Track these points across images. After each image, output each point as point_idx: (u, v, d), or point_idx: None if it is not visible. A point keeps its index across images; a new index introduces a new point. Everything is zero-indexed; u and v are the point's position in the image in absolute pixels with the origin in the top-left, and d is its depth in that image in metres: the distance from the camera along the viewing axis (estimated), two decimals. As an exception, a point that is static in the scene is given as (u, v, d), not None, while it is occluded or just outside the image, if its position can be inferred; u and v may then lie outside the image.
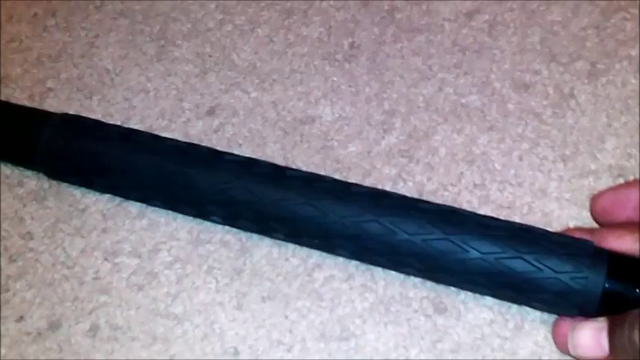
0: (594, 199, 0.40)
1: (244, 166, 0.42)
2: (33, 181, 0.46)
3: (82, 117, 0.46)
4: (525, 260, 0.37)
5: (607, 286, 0.36)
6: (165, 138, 0.44)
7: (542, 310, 0.40)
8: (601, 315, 0.37)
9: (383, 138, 0.47)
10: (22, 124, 0.45)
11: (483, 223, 0.39)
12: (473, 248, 0.38)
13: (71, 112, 0.47)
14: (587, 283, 0.37)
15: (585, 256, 0.37)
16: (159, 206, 0.44)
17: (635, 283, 0.36)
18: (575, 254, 0.37)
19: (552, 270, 0.37)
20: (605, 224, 0.40)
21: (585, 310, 0.37)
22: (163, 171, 0.42)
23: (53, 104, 0.50)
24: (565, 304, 0.37)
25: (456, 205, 0.43)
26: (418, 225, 0.38)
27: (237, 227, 0.43)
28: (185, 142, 0.44)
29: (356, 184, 0.42)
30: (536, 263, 0.37)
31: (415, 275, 0.40)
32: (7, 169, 0.47)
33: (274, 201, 0.40)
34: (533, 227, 0.39)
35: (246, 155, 0.45)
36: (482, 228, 0.38)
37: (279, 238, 0.42)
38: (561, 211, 0.43)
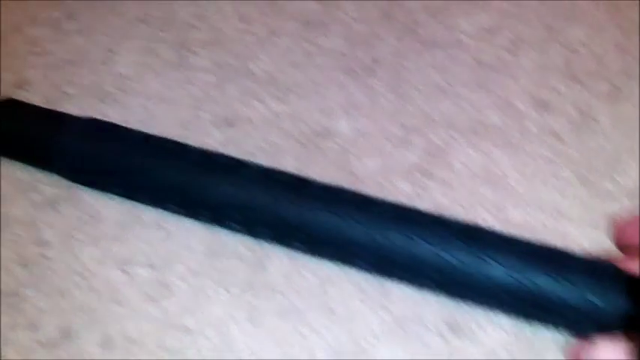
0: (615, 225, 0.40)
1: (266, 174, 0.42)
2: (48, 187, 0.46)
3: (104, 120, 0.46)
4: (550, 276, 0.37)
5: (628, 305, 0.36)
6: (186, 144, 0.44)
7: (562, 328, 0.39)
8: (620, 334, 0.36)
9: (401, 154, 0.47)
10: (43, 125, 0.45)
11: (507, 239, 0.39)
12: (497, 262, 0.37)
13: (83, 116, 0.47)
14: (609, 302, 0.36)
15: (608, 276, 0.37)
16: (175, 211, 0.43)
17: None
18: (598, 274, 0.37)
19: (576, 287, 0.36)
20: (626, 250, 0.40)
21: (605, 329, 0.37)
22: (183, 174, 0.41)
23: (71, 110, 0.49)
24: (586, 322, 0.37)
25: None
26: (442, 237, 0.38)
27: (255, 235, 0.42)
28: (207, 150, 0.44)
29: (378, 198, 0.41)
30: (560, 280, 0.36)
31: (434, 289, 0.40)
32: (22, 174, 0.47)
33: (295, 208, 0.40)
34: (557, 247, 0.39)
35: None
36: (506, 243, 0.38)
37: (296, 248, 0.42)
38: (579, 233, 0.43)
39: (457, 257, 0.38)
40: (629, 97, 0.48)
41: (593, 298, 0.36)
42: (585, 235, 0.43)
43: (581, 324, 0.37)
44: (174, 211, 0.43)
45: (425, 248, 0.38)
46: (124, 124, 0.48)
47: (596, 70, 0.50)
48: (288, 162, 0.47)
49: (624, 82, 0.49)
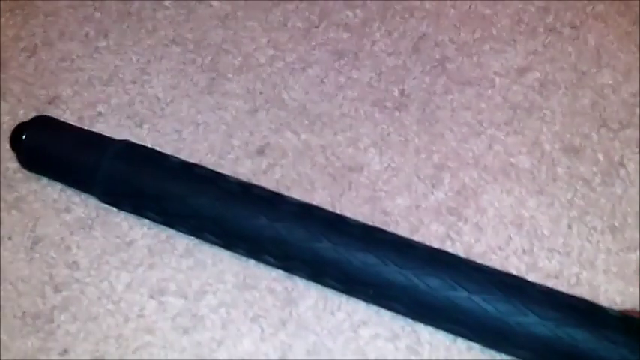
0: None
1: (305, 209, 0.42)
2: (80, 208, 0.46)
3: (140, 144, 0.46)
4: (585, 329, 0.37)
5: None
6: (225, 175, 0.44)
7: None
8: None
9: (432, 193, 0.47)
10: (85, 147, 0.45)
11: (543, 291, 0.39)
12: (533, 312, 0.38)
13: (121, 139, 0.47)
14: None
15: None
16: (211, 240, 0.44)
17: None
18: (633, 329, 0.38)
19: (611, 341, 0.37)
20: None
21: None
22: (222, 204, 0.42)
23: (103, 129, 0.50)
24: None
25: (504, 270, 0.43)
26: (479, 284, 0.39)
27: (290, 270, 0.43)
28: (245, 181, 0.44)
29: (415, 241, 0.42)
30: (595, 333, 0.37)
31: (467, 337, 0.40)
32: (55, 194, 0.47)
33: (332, 245, 0.40)
34: (591, 301, 0.39)
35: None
36: (542, 294, 0.39)
37: (331, 286, 0.42)
38: (609, 284, 0.43)
39: (495, 306, 0.38)
40: (657, 147, 0.49)
41: (629, 354, 0.37)
42: (616, 288, 0.43)
43: None
44: (210, 241, 0.44)
45: (463, 295, 0.39)
46: (156, 148, 0.49)
47: (625, 117, 0.50)
48: (320, 195, 0.47)
49: (652, 130, 0.50)
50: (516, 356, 0.40)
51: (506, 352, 0.40)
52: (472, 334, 0.40)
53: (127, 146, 0.45)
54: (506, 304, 0.38)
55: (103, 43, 0.54)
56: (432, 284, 0.39)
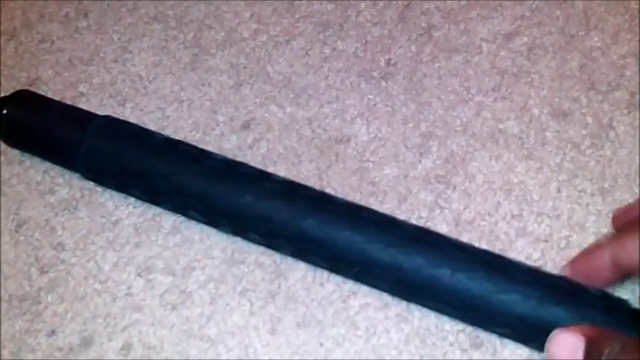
0: (570, 267, 0.41)
1: (290, 187, 0.42)
2: (64, 189, 0.46)
3: (124, 120, 0.45)
4: (566, 308, 0.37)
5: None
6: (210, 152, 0.44)
7: None
8: None
9: (419, 162, 0.47)
10: (67, 122, 0.44)
11: (526, 269, 0.39)
12: (515, 290, 0.38)
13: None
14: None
15: (623, 312, 0.38)
16: (196, 218, 0.43)
17: None
18: (614, 309, 0.38)
19: (591, 321, 0.37)
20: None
21: None
22: (206, 182, 0.41)
23: (85, 108, 0.49)
24: None
25: (492, 236, 0.43)
26: (462, 262, 0.39)
27: (275, 248, 0.42)
28: (230, 159, 0.43)
29: (401, 220, 0.41)
30: (576, 312, 0.37)
31: (450, 315, 0.40)
32: (38, 176, 0.47)
33: (317, 224, 0.40)
34: (572, 279, 0.39)
35: (281, 174, 0.45)
36: (524, 273, 0.39)
37: (316, 264, 0.42)
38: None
39: (478, 283, 0.38)
40: (647, 107, 0.48)
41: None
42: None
43: None
44: (195, 218, 0.43)
45: (446, 273, 0.38)
46: (140, 125, 0.48)
47: (615, 79, 0.50)
48: (307, 168, 0.47)
49: (642, 91, 0.49)
50: (498, 333, 0.40)
51: (489, 330, 0.40)
52: (455, 312, 0.40)
53: (110, 121, 0.45)
54: (489, 282, 0.38)
55: (83, 23, 0.54)
56: (417, 263, 0.39)
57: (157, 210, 0.45)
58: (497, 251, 0.42)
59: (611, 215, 0.43)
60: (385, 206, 0.45)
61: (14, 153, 0.47)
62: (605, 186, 0.45)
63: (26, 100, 0.46)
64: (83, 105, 0.49)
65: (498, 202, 0.45)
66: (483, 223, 0.44)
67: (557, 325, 0.37)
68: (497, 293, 0.38)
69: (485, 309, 0.39)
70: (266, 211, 0.41)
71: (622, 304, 0.39)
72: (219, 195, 0.42)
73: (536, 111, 0.49)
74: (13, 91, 0.48)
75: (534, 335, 0.39)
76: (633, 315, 0.38)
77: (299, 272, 0.42)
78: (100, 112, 0.48)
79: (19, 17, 0.54)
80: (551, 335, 0.36)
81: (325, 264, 0.41)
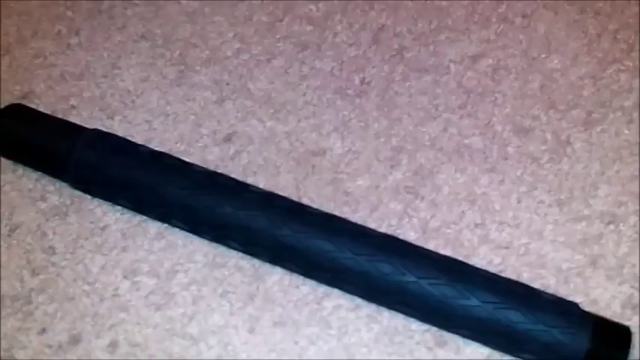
0: None
1: (267, 198, 0.45)
2: (55, 196, 0.49)
3: (112, 133, 0.48)
4: (520, 312, 0.40)
5: (591, 344, 0.40)
6: (192, 164, 0.47)
7: None
8: None
9: (390, 174, 0.50)
10: (57, 135, 0.47)
11: (485, 276, 0.43)
12: (474, 296, 0.41)
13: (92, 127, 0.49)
14: (574, 339, 0.40)
15: (574, 315, 0.41)
16: (179, 226, 0.46)
17: (615, 345, 0.41)
18: (565, 312, 0.41)
19: (544, 323, 0.41)
20: None
21: None
22: (188, 193, 0.44)
23: (75, 121, 0.52)
24: (552, 357, 0.41)
25: (457, 243, 0.46)
26: (426, 270, 0.42)
27: (254, 255, 0.45)
28: (211, 171, 0.46)
29: (370, 229, 0.45)
30: (530, 316, 0.40)
31: (416, 317, 0.43)
32: (30, 184, 0.49)
33: (292, 233, 0.43)
34: (529, 285, 0.43)
35: (261, 184, 0.48)
36: (483, 280, 0.42)
37: (292, 270, 0.45)
38: (556, 253, 0.46)
39: (440, 290, 0.41)
40: (602, 125, 0.52)
41: (559, 334, 0.40)
42: (562, 256, 0.46)
43: (549, 359, 0.41)
44: (178, 227, 0.46)
45: (411, 280, 0.42)
46: (128, 138, 0.51)
47: (573, 99, 0.53)
48: (285, 179, 0.50)
49: (599, 110, 0.52)
50: (460, 335, 0.43)
51: (451, 331, 0.43)
52: (420, 315, 0.43)
53: (98, 135, 0.48)
54: (450, 289, 0.41)
55: (74, 40, 0.57)
56: (384, 270, 0.42)
57: (142, 217, 0.48)
58: (461, 257, 0.45)
59: (567, 224, 0.47)
60: (358, 215, 0.48)
61: (7, 162, 0.50)
62: (562, 197, 0.49)
63: (19, 113, 0.49)
64: (74, 117, 0.52)
65: (463, 212, 0.48)
66: (449, 230, 0.47)
67: (513, 327, 0.41)
68: (458, 299, 0.42)
69: (447, 313, 0.42)
70: (244, 221, 0.44)
71: (573, 307, 0.42)
72: (201, 206, 0.45)
73: (499, 127, 0.52)
74: (7, 102, 0.50)
75: (492, 337, 0.42)
76: (583, 317, 0.42)
77: (276, 276, 0.45)
78: (90, 125, 0.51)
79: (13, 34, 0.56)
80: None
81: (299, 270, 0.44)
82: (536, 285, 0.44)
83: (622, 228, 0.47)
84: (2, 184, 0.49)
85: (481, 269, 0.44)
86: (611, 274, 0.46)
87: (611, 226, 0.47)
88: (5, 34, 0.57)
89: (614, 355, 0.41)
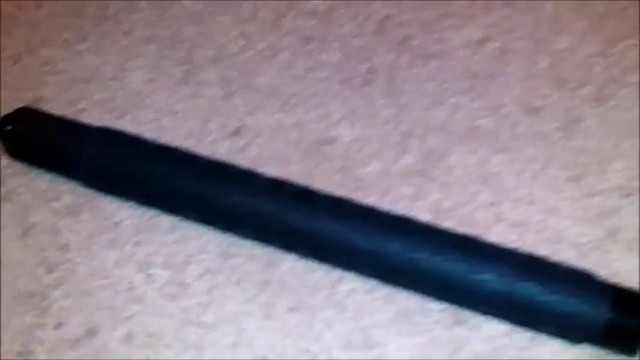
0: None
1: (276, 184, 0.45)
2: (68, 196, 0.49)
3: (120, 130, 0.48)
4: (538, 283, 0.40)
5: (612, 313, 0.39)
6: (198, 155, 0.47)
7: (549, 333, 0.42)
8: (604, 343, 0.39)
9: (401, 158, 0.50)
10: (66, 135, 0.47)
11: (499, 249, 0.42)
12: (490, 270, 0.41)
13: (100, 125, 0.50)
14: (594, 309, 0.40)
15: (592, 284, 0.41)
16: (191, 217, 0.46)
17: (638, 313, 0.40)
18: (583, 282, 0.41)
19: (562, 293, 0.40)
20: None
21: (590, 336, 0.40)
22: (197, 184, 0.44)
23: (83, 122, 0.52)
24: (571, 328, 0.40)
25: (472, 223, 0.46)
26: (439, 246, 0.41)
27: (265, 242, 0.45)
28: (218, 160, 0.46)
29: (381, 210, 0.44)
30: (548, 286, 0.40)
31: (434, 296, 0.43)
32: (43, 185, 0.49)
33: (302, 217, 0.43)
34: (544, 257, 0.42)
35: (272, 174, 0.48)
36: (498, 253, 0.42)
37: (304, 254, 0.44)
38: (572, 228, 0.46)
39: (454, 265, 0.41)
40: (614, 101, 0.51)
41: (578, 304, 0.40)
42: (579, 231, 0.45)
43: (567, 329, 0.41)
44: (190, 218, 0.46)
45: (424, 257, 0.41)
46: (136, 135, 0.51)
47: (582, 77, 0.53)
48: (295, 169, 0.49)
49: (609, 86, 0.52)
50: (478, 311, 0.42)
51: (469, 308, 0.42)
52: (436, 293, 0.42)
53: (106, 132, 0.48)
54: (465, 264, 0.41)
55: (82, 46, 0.57)
56: (395, 249, 0.42)
57: (155, 212, 0.48)
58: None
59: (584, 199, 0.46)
60: (369, 200, 0.47)
61: (20, 165, 0.50)
62: (577, 173, 0.48)
63: (27, 116, 0.50)
64: (84, 120, 0.52)
65: (476, 192, 0.48)
66: (462, 211, 0.47)
67: (531, 298, 0.40)
68: (474, 274, 0.41)
69: (463, 289, 0.41)
70: (254, 207, 0.44)
71: (591, 277, 0.41)
72: (211, 195, 0.45)
73: (509, 108, 0.52)
74: (17, 108, 0.51)
75: (511, 310, 0.41)
76: (602, 286, 0.41)
77: (289, 262, 0.45)
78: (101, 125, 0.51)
79: (23, 43, 0.57)
80: None
81: (312, 254, 0.44)
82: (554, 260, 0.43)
83: (639, 200, 0.47)
84: (17, 186, 0.49)
85: (495, 243, 0.43)
86: (631, 245, 0.45)
87: (629, 199, 0.47)
88: (15, 43, 0.57)
89: (637, 323, 0.40)
